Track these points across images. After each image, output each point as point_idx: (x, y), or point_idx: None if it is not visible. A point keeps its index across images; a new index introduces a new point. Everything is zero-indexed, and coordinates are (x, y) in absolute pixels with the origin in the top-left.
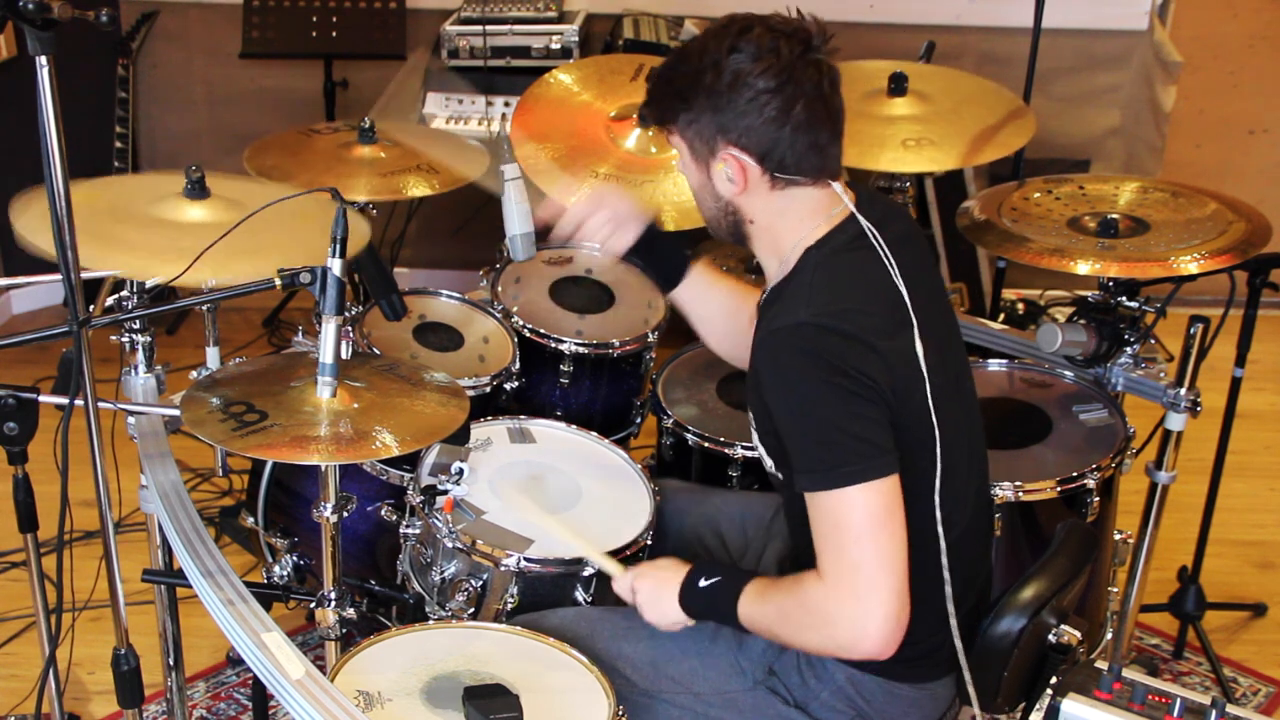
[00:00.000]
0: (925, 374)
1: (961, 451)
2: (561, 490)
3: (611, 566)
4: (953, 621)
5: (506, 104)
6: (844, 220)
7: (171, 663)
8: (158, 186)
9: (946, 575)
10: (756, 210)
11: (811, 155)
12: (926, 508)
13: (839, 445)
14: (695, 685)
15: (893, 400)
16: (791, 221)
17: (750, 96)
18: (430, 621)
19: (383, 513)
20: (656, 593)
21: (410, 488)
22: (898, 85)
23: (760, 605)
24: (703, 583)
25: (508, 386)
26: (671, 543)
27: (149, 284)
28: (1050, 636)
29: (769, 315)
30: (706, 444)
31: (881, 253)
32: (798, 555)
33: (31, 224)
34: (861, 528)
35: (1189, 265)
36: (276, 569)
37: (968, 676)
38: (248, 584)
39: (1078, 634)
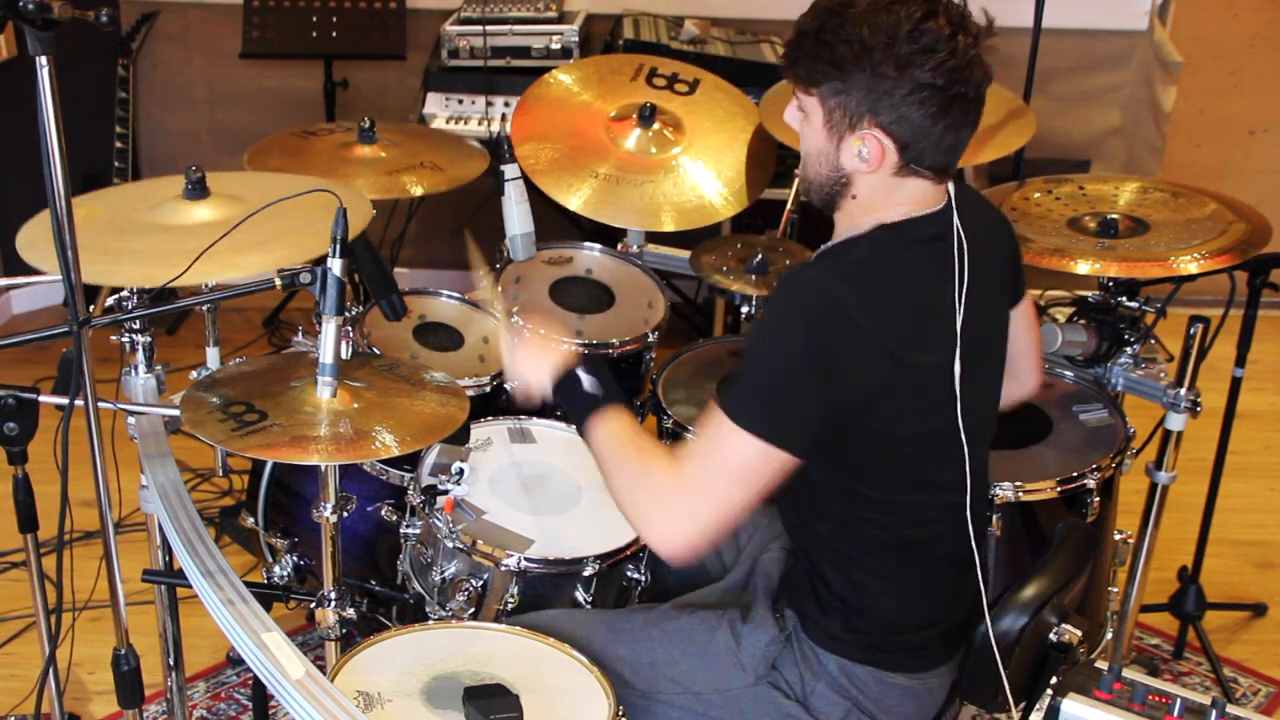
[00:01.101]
0: (958, 397)
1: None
2: (562, 490)
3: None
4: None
5: (506, 104)
6: (935, 213)
7: (171, 663)
8: (157, 191)
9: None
10: (867, 188)
11: (949, 154)
12: (903, 507)
13: (767, 394)
14: (695, 685)
15: (863, 394)
16: (891, 203)
17: (914, 88)
18: (430, 621)
19: (383, 513)
20: (538, 355)
21: (410, 488)
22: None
23: (611, 444)
24: (584, 380)
25: (508, 386)
26: None
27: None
28: (1051, 635)
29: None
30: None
31: (957, 254)
32: (792, 533)
33: (40, 248)
34: (732, 466)
35: (1189, 265)
36: (276, 569)
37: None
38: (248, 584)
39: (1078, 633)
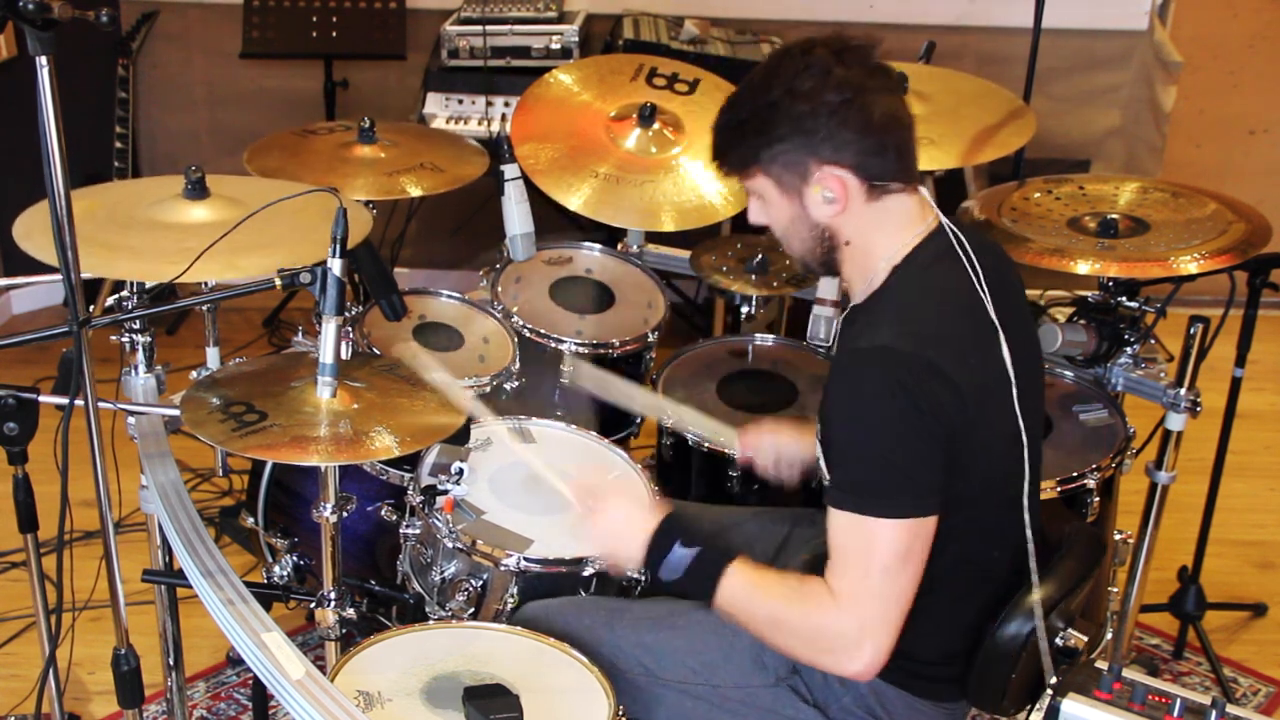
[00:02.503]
0: (1012, 379)
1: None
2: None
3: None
4: (1042, 642)
5: (506, 104)
6: (929, 235)
7: (171, 663)
8: (157, 189)
9: (1036, 586)
10: (852, 229)
11: (903, 157)
12: (972, 535)
13: (887, 476)
14: (714, 678)
15: (961, 431)
16: (887, 234)
17: (831, 111)
18: (430, 621)
19: (383, 513)
20: (620, 530)
21: (410, 488)
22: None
23: (749, 595)
24: (679, 550)
25: (508, 386)
26: None
27: (149, 284)
28: (1057, 640)
29: (852, 333)
30: (706, 444)
31: (967, 261)
32: None
33: (35, 238)
34: (888, 560)
35: (1189, 265)
36: (276, 569)
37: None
38: (248, 584)
39: (1084, 638)
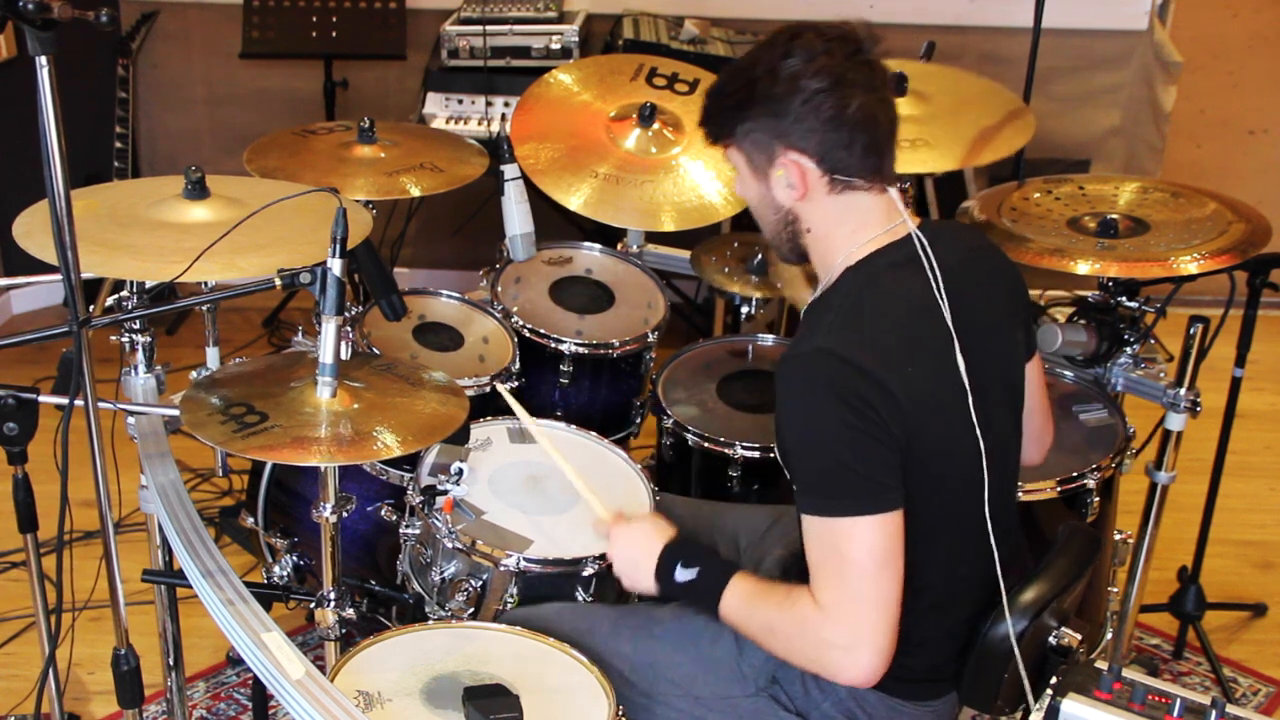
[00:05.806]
0: (968, 391)
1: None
2: (561, 490)
3: (598, 508)
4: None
5: (506, 104)
6: (894, 241)
7: (171, 663)
8: (157, 189)
9: (1005, 601)
10: (815, 217)
11: (869, 156)
12: (943, 540)
13: (840, 476)
14: (695, 689)
15: (903, 436)
16: (847, 230)
17: (805, 98)
18: (430, 621)
19: (383, 513)
20: (634, 559)
21: (410, 488)
22: (898, 85)
23: (747, 610)
24: (680, 574)
25: (508, 386)
26: None
27: (149, 284)
28: (1051, 639)
29: (796, 336)
30: (706, 444)
31: (930, 271)
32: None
33: (35, 237)
34: (861, 561)
35: (1189, 265)
36: (276, 569)
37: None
38: (248, 584)
39: (1078, 636)
